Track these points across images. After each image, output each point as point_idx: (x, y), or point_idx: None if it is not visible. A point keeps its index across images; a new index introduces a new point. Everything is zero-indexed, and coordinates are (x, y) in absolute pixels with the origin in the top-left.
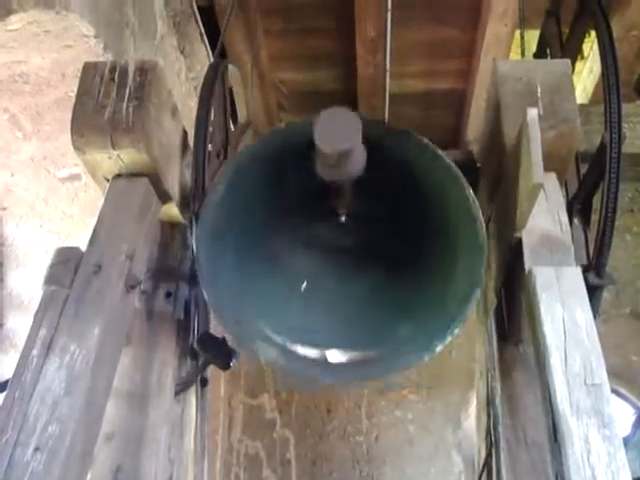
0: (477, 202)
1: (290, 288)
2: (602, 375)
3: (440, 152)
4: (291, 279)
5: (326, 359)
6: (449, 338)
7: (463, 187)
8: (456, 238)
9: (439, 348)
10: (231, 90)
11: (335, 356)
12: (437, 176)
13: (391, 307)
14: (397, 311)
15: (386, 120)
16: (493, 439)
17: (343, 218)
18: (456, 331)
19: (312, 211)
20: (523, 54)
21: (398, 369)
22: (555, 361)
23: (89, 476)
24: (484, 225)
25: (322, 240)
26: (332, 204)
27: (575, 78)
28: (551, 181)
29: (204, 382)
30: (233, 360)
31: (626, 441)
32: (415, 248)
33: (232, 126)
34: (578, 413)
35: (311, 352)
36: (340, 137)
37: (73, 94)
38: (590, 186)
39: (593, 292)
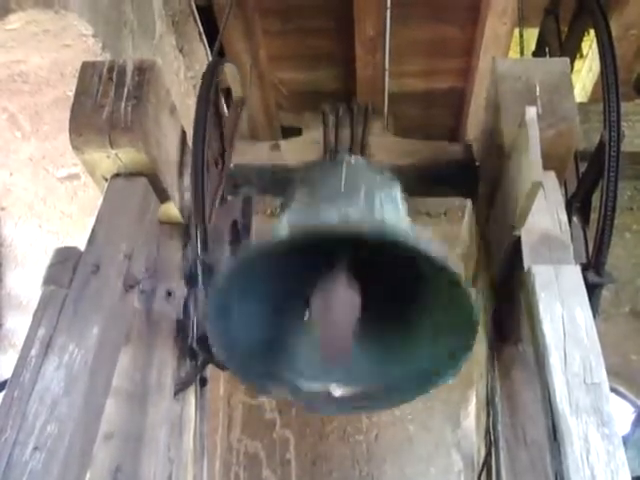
0: (472, 294)
1: (296, 335)
2: (601, 374)
3: (439, 260)
4: (297, 325)
5: (330, 393)
6: (442, 383)
7: (468, 296)
8: (449, 317)
9: (429, 390)
10: (229, 90)
11: (338, 391)
12: (440, 276)
13: (386, 352)
14: (392, 357)
15: (385, 120)
16: (492, 438)
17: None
18: (450, 381)
19: (317, 265)
20: (522, 53)
21: (398, 403)
22: (554, 360)
23: (88, 475)
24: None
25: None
26: None
27: (574, 77)
28: (550, 180)
29: (203, 382)
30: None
31: (625, 440)
32: (410, 313)
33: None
34: (577, 412)
35: (315, 387)
36: (338, 324)
37: (72, 93)
38: (589, 185)
39: (592, 291)
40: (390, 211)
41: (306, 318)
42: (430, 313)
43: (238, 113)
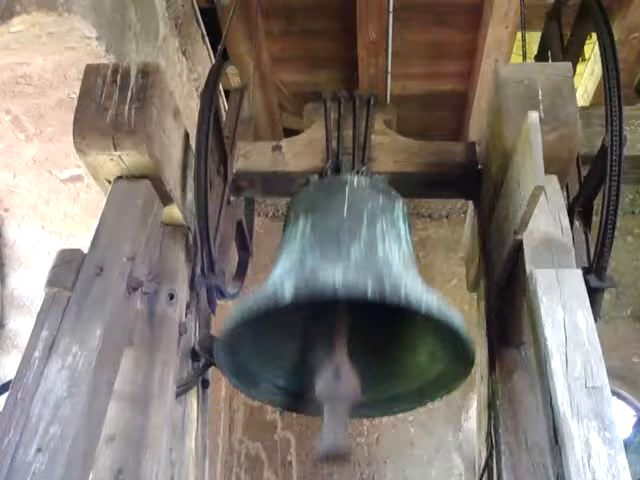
0: (470, 339)
1: (299, 356)
2: (603, 378)
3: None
4: (301, 350)
5: None
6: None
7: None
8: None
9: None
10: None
11: None
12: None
13: (386, 373)
14: (392, 376)
15: (388, 98)
16: (494, 441)
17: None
18: (443, 397)
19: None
20: (524, 56)
21: (394, 412)
22: (556, 364)
23: (91, 477)
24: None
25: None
26: None
27: (576, 80)
28: (552, 183)
29: (205, 384)
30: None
31: (627, 443)
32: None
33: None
34: (579, 416)
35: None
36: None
37: (75, 96)
38: (591, 188)
39: (594, 294)
40: (392, 244)
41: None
42: (429, 346)
43: (239, 102)
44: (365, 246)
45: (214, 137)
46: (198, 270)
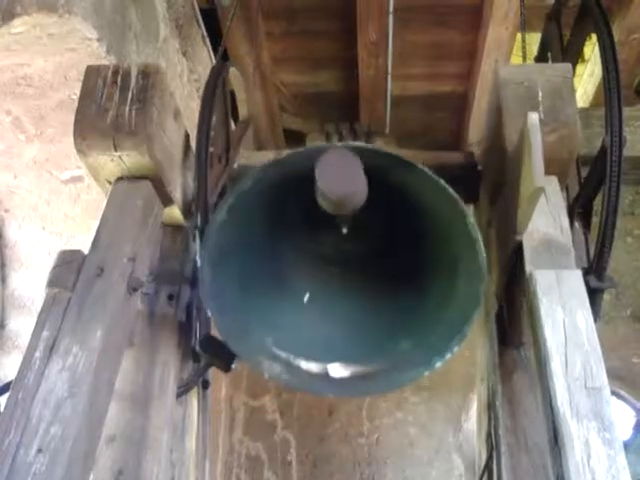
0: (476, 227)
1: (293, 304)
2: (602, 378)
3: (441, 182)
4: (294, 295)
5: (328, 374)
6: (448, 355)
7: (464, 214)
8: (456, 260)
9: (438, 364)
10: (232, 92)
11: (337, 371)
12: (437, 202)
13: (392, 323)
14: (398, 327)
15: (387, 127)
16: (494, 442)
17: (345, 231)
18: (455, 349)
19: (314, 227)
20: (524, 57)
21: (398, 385)
22: (555, 364)
23: (91, 478)
24: (483, 248)
25: (324, 256)
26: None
27: (576, 81)
28: (552, 184)
29: (206, 384)
30: (234, 362)
31: (627, 444)
32: (416, 268)
33: (233, 125)
34: (578, 416)
35: (313, 367)
36: (342, 181)
37: (76, 97)
38: (591, 189)
39: (594, 295)
40: None
41: (306, 299)
42: (434, 276)
43: (243, 133)
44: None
45: (219, 130)
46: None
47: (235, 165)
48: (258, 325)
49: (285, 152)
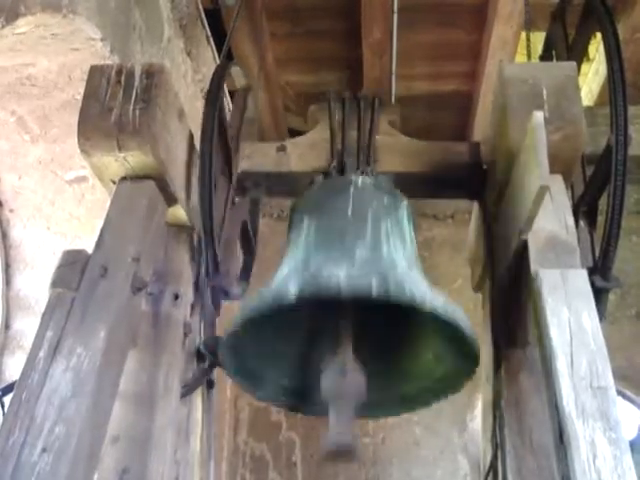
0: (475, 337)
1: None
2: (608, 378)
3: (437, 305)
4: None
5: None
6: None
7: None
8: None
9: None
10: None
11: None
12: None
13: (390, 373)
14: (396, 378)
15: (393, 99)
16: (499, 442)
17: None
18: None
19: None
20: (529, 56)
21: (396, 414)
22: (561, 364)
23: (95, 478)
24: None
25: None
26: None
27: (581, 80)
28: (557, 183)
29: (210, 384)
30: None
31: (632, 444)
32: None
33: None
34: (584, 416)
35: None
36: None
37: (80, 97)
38: (596, 188)
39: (599, 294)
40: (397, 244)
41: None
42: (434, 347)
43: (243, 103)
44: (370, 247)
45: (218, 138)
46: (203, 270)
47: (239, 170)
48: (270, 375)
49: (287, 143)
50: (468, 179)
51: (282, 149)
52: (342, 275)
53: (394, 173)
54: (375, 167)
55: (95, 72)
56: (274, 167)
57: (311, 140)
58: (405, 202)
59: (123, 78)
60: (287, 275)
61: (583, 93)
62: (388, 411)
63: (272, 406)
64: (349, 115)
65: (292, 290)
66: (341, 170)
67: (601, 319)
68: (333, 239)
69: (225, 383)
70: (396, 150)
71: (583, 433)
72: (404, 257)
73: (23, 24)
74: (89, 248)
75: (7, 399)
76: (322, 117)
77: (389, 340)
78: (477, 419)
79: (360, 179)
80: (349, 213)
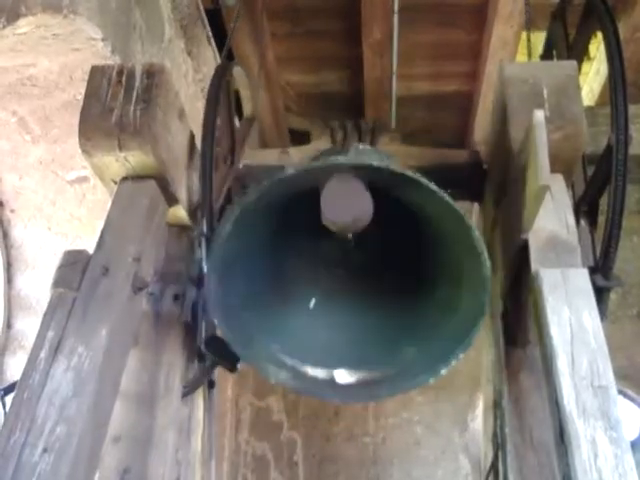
0: (482, 240)
1: (299, 312)
2: (609, 377)
3: (446, 197)
4: (299, 303)
5: (334, 380)
6: (453, 362)
7: (469, 227)
8: (461, 271)
9: (443, 371)
10: (236, 91)
11: (342, 377)
12: (443, 215)
13: (398, 330)
14: (404, 334)
15: (393, 123)
16: (500, 441)
17: (350, 239)
18: (460, 356)
19: (318, 236)
20: (530, 56)
21: (403, 390)
22: (562, 363)
23: (96, 477)
24: (488, 259)
25: (329, 263)
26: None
27: (581, 79)
28: (558, 183)
29: (211, 384)
30: (240, 362)
31: (633, 444)
32: (420, 277)
33: (237, 124)
34: (585, 415)
35: (319, 373)
36: (347, 209)
37: (81, 97)
38: (597, 188)
39: (600, 294)
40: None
41: (311, 305)
42: (439, 284)
43: (247, 129)
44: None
45: (224, 130)
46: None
47: (240, 165)
48: (264, 332)
49: (290, 150)
50: (468, 179)
51: (285, 154)
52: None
53: None
54: None
55: (96, 72)
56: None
57: (314, 149)
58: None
59: (124, 78)
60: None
61: (584, 93)
62: (395, 387)
63: (274, 406)
64: (351, 135)
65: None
66: None
67: (602, 318)
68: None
69: (227, 383)
70: (396, 154)
71: (584, 432)
72: None
73: (24, 24)
74: (90, 248)
75: (8, 399)
76: (325, 133)
77: (394, 292)
78: (478, 419)
79: (360, 145)
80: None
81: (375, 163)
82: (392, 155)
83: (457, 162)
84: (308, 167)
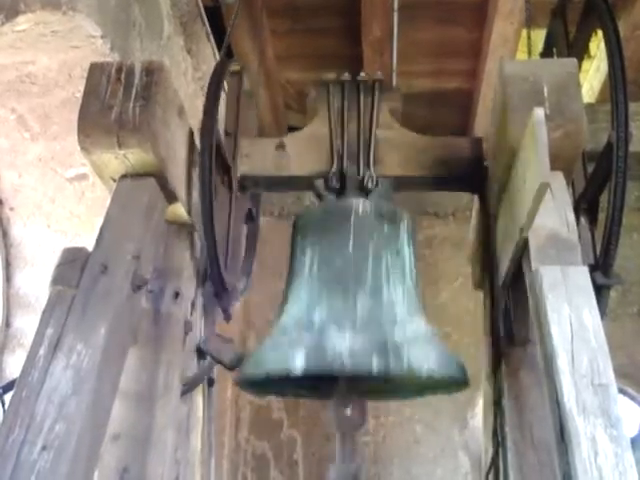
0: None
1: None
2: (609, 375)
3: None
4: None
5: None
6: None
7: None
8: None
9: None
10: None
11: None
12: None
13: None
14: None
15: (394, 80)
16: (500, 439)
17: None
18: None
19: None
20: (530, 53)
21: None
22: (562, 361)
23: (96, 476)
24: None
25: None
26: None
27: (582, 77)
28: (558, 180)
29: (211, 382)
30: (240, 360)
31: (633, 441)
32: None
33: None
34: (585, 413)
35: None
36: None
37: (80, 94)
38: (597, 185)
39: (600, 292)
40: (396, 284)
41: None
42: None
43: (238, 88)
44: (370, 293)
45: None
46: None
47: (238, 175)
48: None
49: (286, 140)
50: (469, 171)
51: (281, 147)
52: (345, 352)
53: (395, 177)
54: (376, 169)
55: (95, 70)
56: (274, 170)
57: (310, 135)
58: (406, 220)
59: (123, 75)
60: (291, 334)
61: (584, 90)
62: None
63: (274, 404)
64: (349, 104)
65: (299, 363)
66: (342, 174)
67: (602, 316)
68: (336, 287)
69: (226, 381)
70: (397, 146)
71: (584, 430)
72: (404, 299)
73: (23, 21)
74: (89, 246)
75: (7, 397)
76: (321, 106)
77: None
78: (478, 417)
79: (360, 206)
80: (350, 249)
81: (375, 370)
82: (391, 209)
83: (458, 154)
84: (311, 369)
